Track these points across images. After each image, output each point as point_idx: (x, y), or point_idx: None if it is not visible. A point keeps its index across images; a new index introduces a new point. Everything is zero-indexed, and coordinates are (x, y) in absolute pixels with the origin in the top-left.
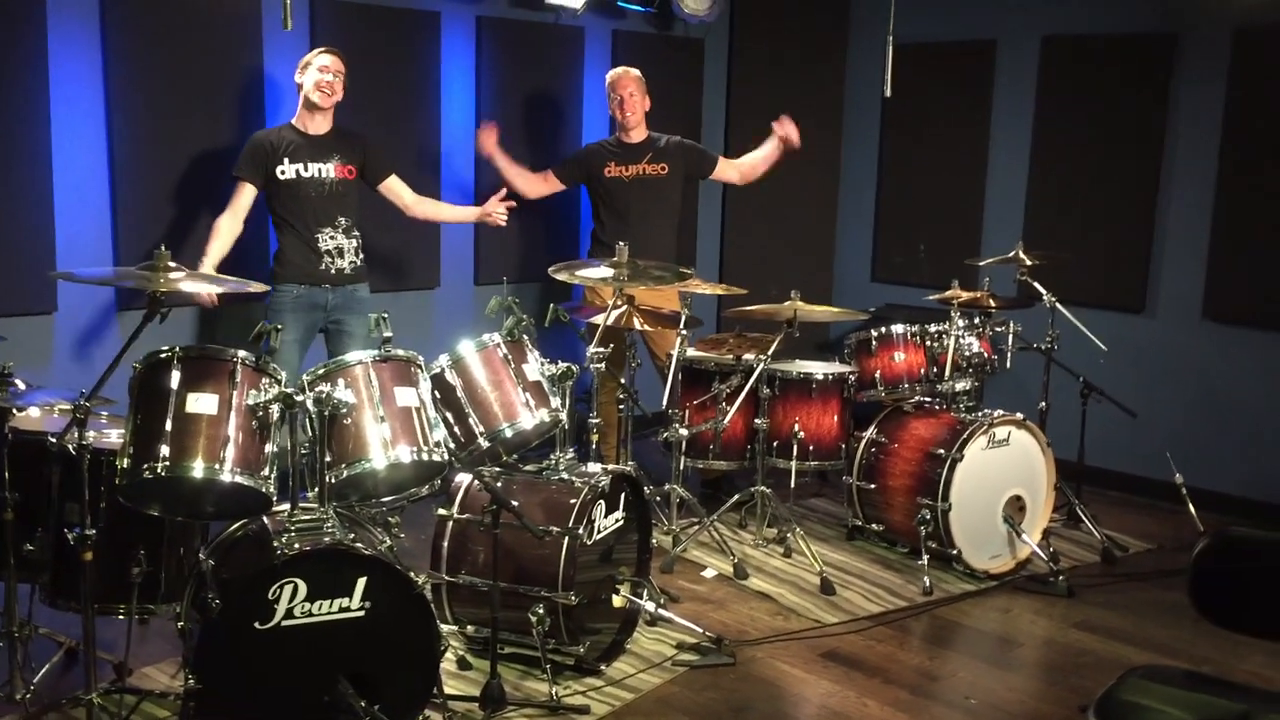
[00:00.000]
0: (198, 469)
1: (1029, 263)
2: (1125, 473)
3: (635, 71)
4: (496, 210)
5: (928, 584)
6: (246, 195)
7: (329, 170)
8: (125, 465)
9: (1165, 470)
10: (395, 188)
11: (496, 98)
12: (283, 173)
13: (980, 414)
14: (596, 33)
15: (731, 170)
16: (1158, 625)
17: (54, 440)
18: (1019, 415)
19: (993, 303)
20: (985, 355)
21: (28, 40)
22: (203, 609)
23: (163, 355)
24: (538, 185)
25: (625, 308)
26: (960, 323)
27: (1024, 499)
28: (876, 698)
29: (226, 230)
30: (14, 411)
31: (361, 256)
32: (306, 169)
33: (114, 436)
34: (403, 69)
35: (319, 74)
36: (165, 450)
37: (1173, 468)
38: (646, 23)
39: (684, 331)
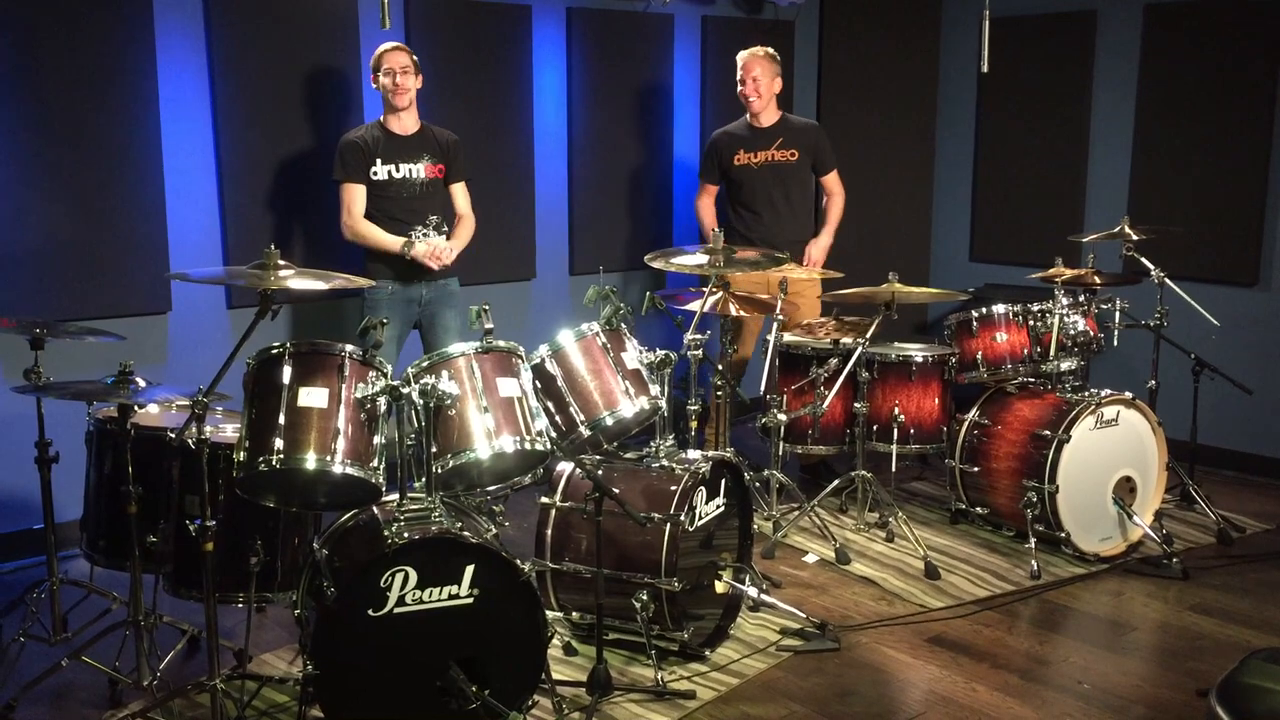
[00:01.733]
0: (310, 461)
1: (1135, 238)
2: (1240, 451)
3: (764, 51)
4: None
5: (1035, 567)
6: (361, 194)
7: (419, 171)
8: (241, 458)
9: None
10: (457, 195)
11: (587, 88)
12: (375, 174)
13: (1087, 394)
14: (686, 19)
15: (832, 188)
16: (1276, 607)
17: (173, 435)
18: (1128, 394)
19: (1098, 279)
20: (1091, 334)
21: (137, 53)
22: (318, 597)
23: (274, 351)
24: (708, 208)
25: (721, 294)
26: (1064, 301)
27: (1134, 480)
28: (985, 682)
29: (366, 221)
30: (135, 408)
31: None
32: (398, 170)
33: (230, 431)
34: (495, 63)
35: (385, 78)
36: (279, 443)
37: None
38: (735, 7)
39: (780, 316)
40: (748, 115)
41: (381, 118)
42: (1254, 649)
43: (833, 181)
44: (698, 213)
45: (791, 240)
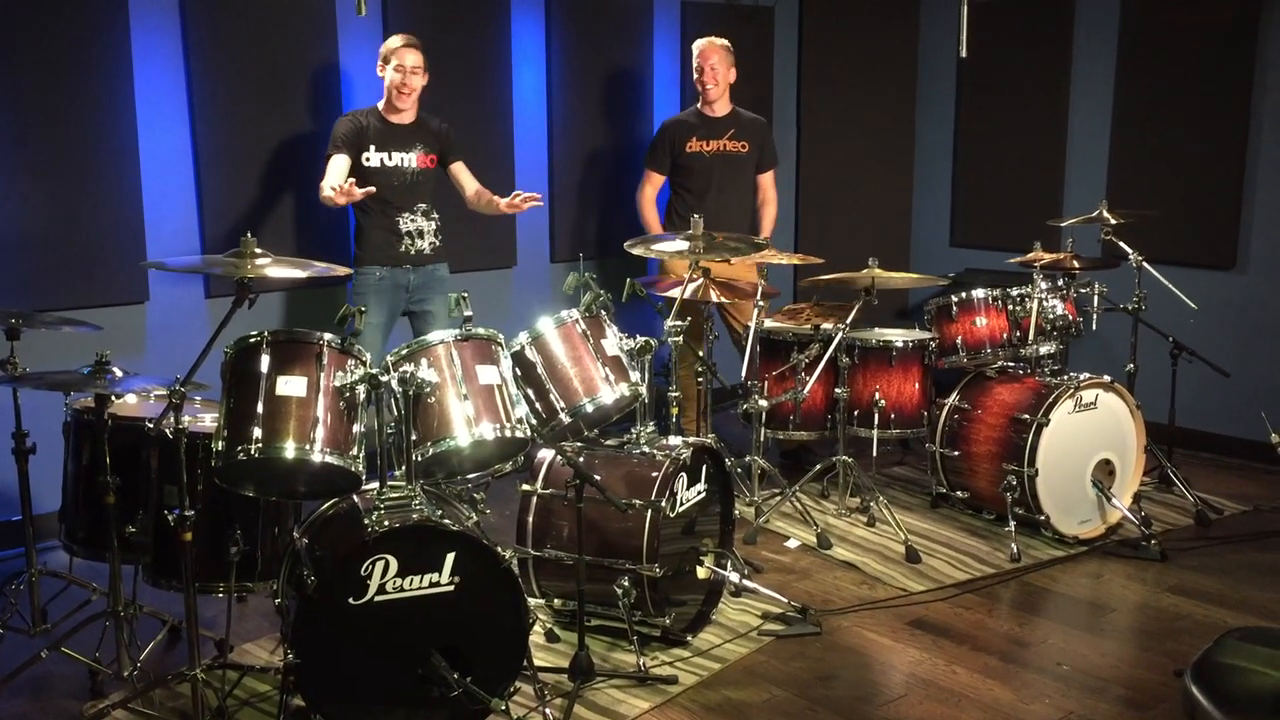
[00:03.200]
0: (289, 450)
1: (1113, 221)
2: (1218, 434)
3: (721, 41)
4: (521, 202)
5: (1015, 550)
6: (341, 166)
7: (411, 160)
8: (220, 448)
9: (1260, 430)
10: (460, 176)
11: (566, 73)
12: (368, 160)
13: (1066, 377)
14: (665, 5)
15: (768, 189)
16: (1254, 587)
17: (151, 425)
18: (1106, 378)
19: (1076, 264)
20: (1070, 318)
21: (112, 41)
22: (298, 586)
23: (252, 340)
24: (653, 202)
25: (701, 280)
26: (1043, 285)
27: (1113, 463)
28: (966, 665)
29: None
30: (113, 398)
31: (441, 237)
32: (391, 158)
33: (208, 420)
34: (474, 48)
35: (395, 74)
36: (258, 432)
37: (1268, 427)
38: None
39: (761, 302)
40: (699, 104)
41: (380, 105)
42: (1230, 629)
43: (769, 183)
44: (641, 205)
45: (731, 230)
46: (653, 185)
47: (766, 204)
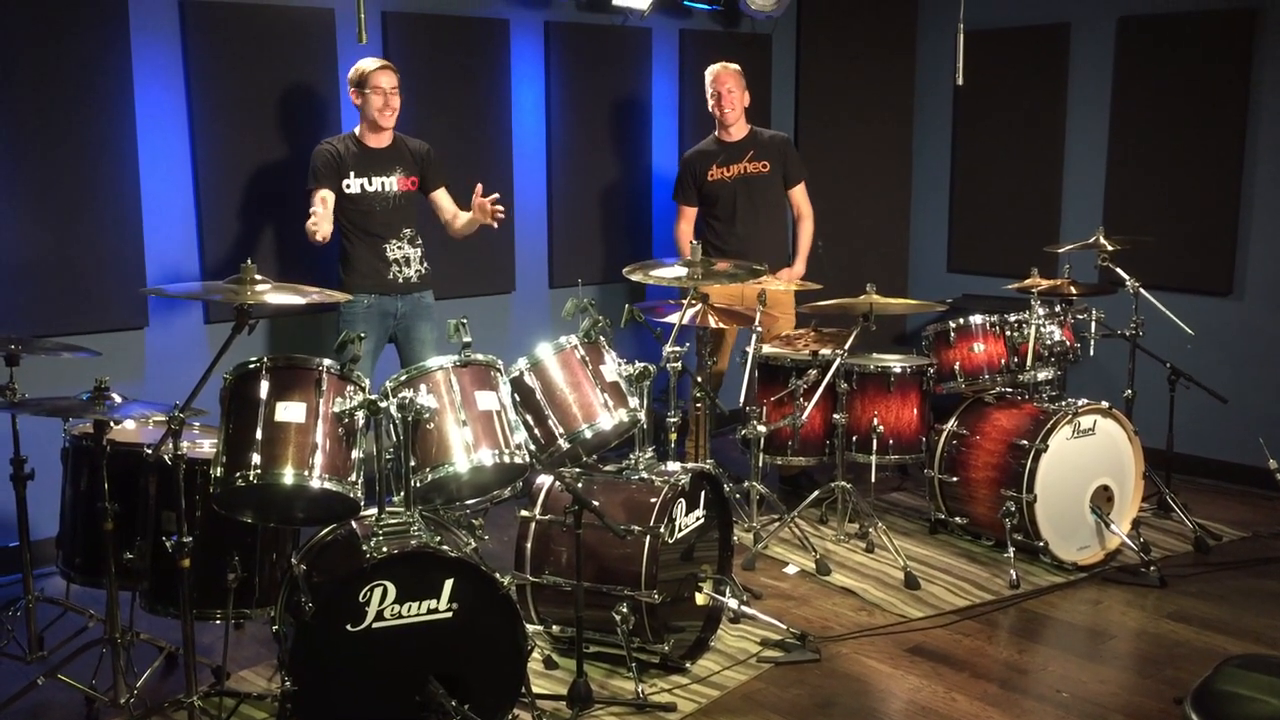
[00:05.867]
0: (288, 476)
1: (1110, 248)
2: (1217, 459)
3: (734, 66)
4: (487, 212)
5: (1014, 577)
6: (330, 200)
7: (393, 184)
8: (218, 474)
9: (1258, 456)
10: (441, 201)
11: (566, 102)
12: (348, 186)
13: (1064, 403)
14: (664, 33)
15: (801, 204)
16: (1254, 614)
17: (150, 451)
18: (1104, 404)
19: (1074, 290)
20: (1067, 344)
21: (113, 66)
22: (296, 613)
23: (251, 366)
24: (689, 237)
25: (700, 306)
26: (1040, 311)
27: (1112, 489)
28: (965, 692)
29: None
30: (111, 424)
31: (426, 265)
32: (371, 183)
33: (207, 446)
34: (474, 77)
35: (376, 97)
36: (256, 458)
37: (1266, 454)
38: (713, 21)
39: (758, 328)
40: (716, 131)
41: (356, 131)
42: (1230, 656)
43: (801, 196)
44: (678, 241)
45: (766, 253)
46: (686, 220)
47: (801, 219)
